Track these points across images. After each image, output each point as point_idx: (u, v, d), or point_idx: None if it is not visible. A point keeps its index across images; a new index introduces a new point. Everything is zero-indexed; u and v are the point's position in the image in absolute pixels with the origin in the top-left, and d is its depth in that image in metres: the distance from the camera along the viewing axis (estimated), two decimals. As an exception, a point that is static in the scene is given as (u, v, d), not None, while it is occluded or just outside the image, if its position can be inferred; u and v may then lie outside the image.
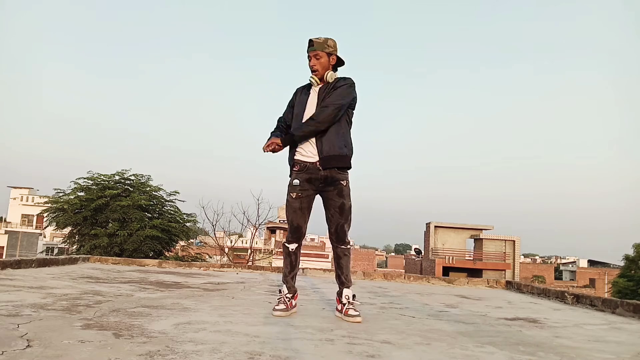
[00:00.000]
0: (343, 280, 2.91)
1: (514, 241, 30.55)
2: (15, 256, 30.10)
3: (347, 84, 2.89)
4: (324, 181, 2.84)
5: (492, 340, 2.42)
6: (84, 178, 13.17)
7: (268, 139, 2.92)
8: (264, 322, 2.54)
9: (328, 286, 4.77)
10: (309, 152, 2.85)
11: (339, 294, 2.94)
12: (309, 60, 2.90)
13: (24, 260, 4.73)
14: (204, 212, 20.13)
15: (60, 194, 13.13)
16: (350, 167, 2.91)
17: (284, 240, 2.98)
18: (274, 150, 2.83)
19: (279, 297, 2.91)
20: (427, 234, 31.83)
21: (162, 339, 1.97)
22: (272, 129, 3.06)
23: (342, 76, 2.97)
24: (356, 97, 2.94)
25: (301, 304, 3.35)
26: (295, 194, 2.86)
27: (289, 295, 2.90)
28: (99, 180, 13.16)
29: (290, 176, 2.94)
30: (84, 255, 6.46)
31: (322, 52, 2.88)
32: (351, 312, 2.77)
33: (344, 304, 2.84)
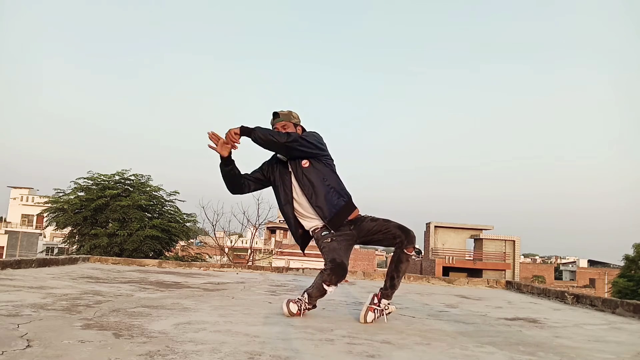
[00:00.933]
0: (395, 284, 2.82)
1: (514, 241, 30.58)
2: (15, 256, 30.11)
3: (308, 133, 2.90)
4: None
5: (492, 340, 2.42)
6: (84, 178, 13.20)
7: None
8: (264, 322, 2.54)
9: (328, 286, 4.75)
10: (310, 222, 2.87)
11: (381, 295, 2.80)
12: None
13: (24, 260, 4.73)
14: (204, 212, 20.22)
15: (60, 194, 13.16)
16: (355, 208, 2.89)
17: (326, 279, 2.71)
18: (232, 144, 2.81)
19: (298, 299, 2.79)
20: (427, 234, 31.85)
21: (162, 339, 1.97)
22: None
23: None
24: (324, 144, 2.91)
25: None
26: (330, 238, 2.80)
27: (309, 307, 2.82)
28: (99, 180, 13.18)
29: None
30: (84, 255, 6.47)
31: (289, 122, 2.89)
32: (369, 316, 2.70)
33: (376, 308, 2.74)
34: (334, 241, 2.78)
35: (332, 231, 2.81)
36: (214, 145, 2.87)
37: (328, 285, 2.70)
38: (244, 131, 2.76)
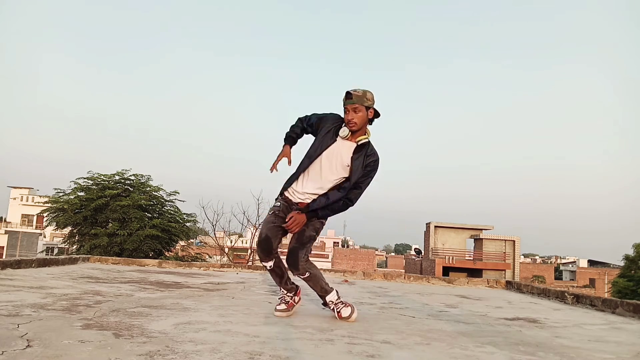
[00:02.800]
0: (320, 295, 2.87)
1: (514, 241, 30.56)
2: (15, 256, 30.11)
3: (373, 169, 2.79)
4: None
5: (492, 340, 2.42)
6: (84, 178, 13.19)
7: (284, 145, 2.87)
8: (264, 322, 2.54)
9: (328, 286, 4.75)
10: (302, 194, 2.81)
11: (324, 304, 2.90)
12: (346, 113, 2.73)
13: (24, 260, 4.73)
14: (204, 212, 20.18)
15: (60, 194, 13.14)
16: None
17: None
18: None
19: (280, 296, 2.90)
20: (427, 234, 31.84)
21: (162, 339, 1.97)
22: (291, 128, 2.94)
23: (373, 147, 2.82)
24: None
25: (301, 304, 3.35)
26: (272, 211, 2.83)
27: (290, 294, 2.88)
28: (99, 180, 13.17)
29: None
30: (84, 255, 6.47)
31: (361, 105, 2.70)
32: (343, 311, 2.77)
33: (333, 309, 2.83)
34: (273, 215, 2.79)
35: (284, 207, 2.79)
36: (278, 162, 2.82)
37: (264, 262, 2.81)
38: (310, 217, 2.75)
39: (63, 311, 2.48)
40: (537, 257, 78.97)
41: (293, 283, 2.93)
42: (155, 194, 13.71)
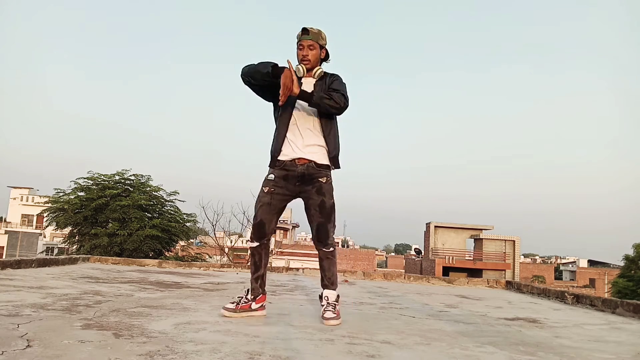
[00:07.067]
0: (325, 283, 2.77)
1: (514, 241, 30.56)
2: (15, 256, 30.10)
3: (341, 81, 2.75)
4: (301, 179, 2.67)
5: (492, 340, 2.42)
6: (84, 178, 13.18)
7: (266, 66, 2.60)
8: (264, 322, 2.54)
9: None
10: (293, 147, 2.68)
11: (320, 296, 2.80)
12: (300, 49, 2.72)
13: (24, 260, 4.73)
14: (204, 212, 20.13)
15: (61, 194, 13.14)
16: (337, 167, 2.77)
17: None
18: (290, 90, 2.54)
19: (240, 295, 2.79)
20: (427, 234, 31.84)
21: (162, 339, 1.97)
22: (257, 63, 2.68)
23: (330, 72, 2.82)
24: None
25: (301, 304, 3.35)
26: (267, 188, 2.69)
27: (249, 297, 2.71)
28: (99, 180, 13.17)
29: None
30: (84, 255, 6.46)
31: (316, 43, 2.72)
32: (327, 314, 2.60)
33: (323, 305, 2.70)
34: (268, 194, 2.68)
35: (278, 178, 2.67)
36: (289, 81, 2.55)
37: (251, 241, 2.76)
38: (302, 96, 2.59)
39: (63, 311, 2.48)
40: (537, 257, 78.96)
41: (262, 287, 2.76)
42: (155, 194, 13.70)
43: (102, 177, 13.27)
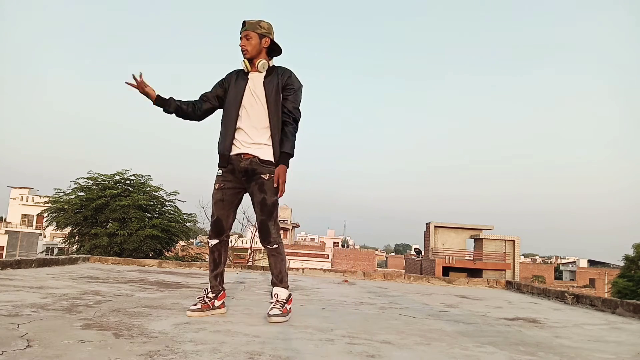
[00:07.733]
0: (274, 280, 2.72)
1: (514, 241, 30.56)
2: (15, 256, 30.10)
3: (295, 84, 2.75)
4: (245, 174, 2.68)
5: (492, 340, 2.42)
6: (84, 178, 13.18)
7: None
8: (264, 322, 2.54)
9: (328, 286, 4.76)
10: (238, 145, 2.69)
11: (271, 293, 2.73)
12: (240, 42, 2.74)
13: (24, 260, 4.73)
14: (204, 212, 20.12)
15: (61, 194, 13.13)
16: (284, 164, 2.71)
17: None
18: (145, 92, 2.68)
19: (200, 296, 2.77)
20: (427, 234, 31.84)
21: (162, 339, 1.97)
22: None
23: (279, 66, 2.81)
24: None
25: (301, 304, 3.35)
26: (217, 184, 2.72)
27: (211, 295, 2.72)
28: (99, 180, 13.16)
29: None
30: (84, 255, 6.46)
31: (253, 32, 2.70)
32: (273, 311, 2.57)
33: (271, 302, 2.65)
34: (219, 191, 2.71)
35: (225, 173, 2.70)
36: (134, 83, 2.70)
37: (210, 239, 2.82)
38: (287, 161, 2.67)
39: (63, 311, 2.48)
40: (537, 257, 78.97)
41: (221, 284, 2.80)
42: (155, 194, 13.70)
43: (102, 177, 13.26)
